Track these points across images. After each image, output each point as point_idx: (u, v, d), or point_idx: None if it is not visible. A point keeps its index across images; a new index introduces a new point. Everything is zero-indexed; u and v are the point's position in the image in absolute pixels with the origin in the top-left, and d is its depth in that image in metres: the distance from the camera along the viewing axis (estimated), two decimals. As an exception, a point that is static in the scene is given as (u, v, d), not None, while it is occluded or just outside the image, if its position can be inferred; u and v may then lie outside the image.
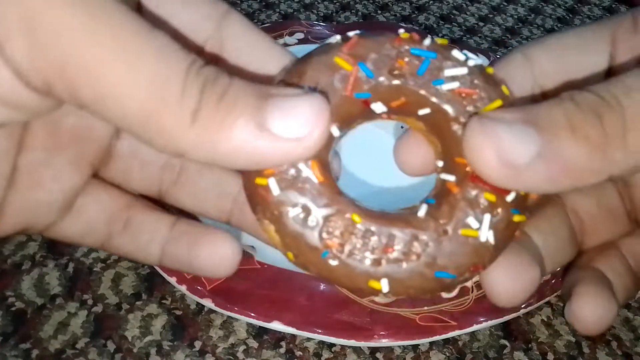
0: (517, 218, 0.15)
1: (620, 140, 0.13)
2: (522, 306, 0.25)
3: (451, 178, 0.15)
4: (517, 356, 0.24)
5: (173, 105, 0.12)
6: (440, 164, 0.16)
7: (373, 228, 0.14)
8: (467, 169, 0.15)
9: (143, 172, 0.19)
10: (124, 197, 0.19)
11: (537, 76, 0.17)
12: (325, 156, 0.15)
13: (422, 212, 0.15)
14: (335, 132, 0.15)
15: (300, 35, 0.39)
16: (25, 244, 0.28)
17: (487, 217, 0.14)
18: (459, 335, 0.25)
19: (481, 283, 0.16)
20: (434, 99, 0.15)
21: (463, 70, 0.15)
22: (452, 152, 0.15)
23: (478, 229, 0.14)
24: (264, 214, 0.15)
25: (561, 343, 0.25)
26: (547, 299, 0.25)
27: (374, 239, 0.14)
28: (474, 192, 0.15)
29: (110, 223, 0.19)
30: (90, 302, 0.25)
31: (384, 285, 0.14)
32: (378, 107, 0.15)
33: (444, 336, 0.24)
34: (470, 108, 0.15)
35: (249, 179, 0.15)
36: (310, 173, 0.14)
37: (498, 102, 0.15)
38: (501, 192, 0.15)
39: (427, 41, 0.15)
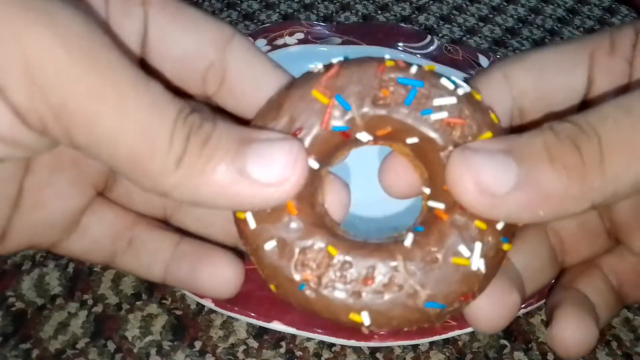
0: (505, 247, 0.15)
1: (597, 168, 0.13)
2: (522, 306, 0.24)
3: (440, 206, 0.15)
4: (517, 356, 0.24)
5: (160, 152, 0.13)
6: (427, 190, 0.16)
7: (351, 259, 0.14)
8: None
9: (146, 196, 0.19)
10: (129, 216, 0.20)
11: (515, 96, 0.17)
12: (303, 190, 0.14)
13: (408, 240, 0.15)
14: (314, 165, 0.15)
15: (300, 36, 0.39)
16: (26, 244, 0.28)
17: (478, 245, 0.14)
18: (458, 335, 0.24)
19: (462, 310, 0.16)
20: (421, 128, 0.15)
21: (452, 100, 0.15)
22: (440, 180, 0.15)
23: (469, 257, 0.14)
24: (245, 246, 0.15)
25: (561, 343, 0.25)
26: (546, 300, 0.25)
27: (352, 270, 0.14)
28: (463, 220, 0.14)
29: (115, 241, 0.19)
30: (90, 302, 0.25)
31: (365, 317, 0.14)
32: (363, 136, 0.15)
33: (444, 336, 0.24)
34: (458, 137, 0.15)
35: (233, 213, 0.15)
36: (284, 206, 0.14)
37: (488, 134, 0.15)
38: (491, 220, 0.14)
39: (414, 69, 0.15)
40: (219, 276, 0.18)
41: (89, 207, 0.19)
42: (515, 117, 0.17)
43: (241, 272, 0.18)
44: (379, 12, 0.48)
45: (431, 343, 0.24)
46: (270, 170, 0.13)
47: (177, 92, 0.17)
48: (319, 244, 0.14)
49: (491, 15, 0.49)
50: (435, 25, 0.47)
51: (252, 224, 0.14)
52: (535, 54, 0.17)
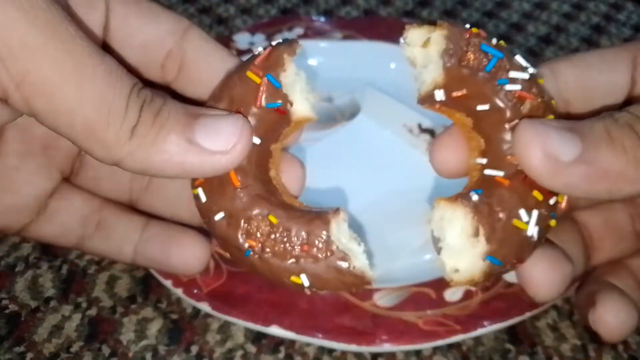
0: (552, 222, 0.16)
1: None
2: (528, 310, 0.24)
3: (499, 173, 0.16)
4: (522, 361, 0.24)
5: (116, 122, 0.14)
6: (483, 161, 0.17)
7: (291, 227, 0.16)
8: (518, 167, 0.16)
9: (113, 180, 0.21)
10: (96, 200, 0.21)
11: (561, 89, 0.18)
12: (245, 164, 0.16)
13: (475, 197, 0.16)
14: (256, 140, 0.16)
15: (300, 31, 0.38)
16: (19, 245, 0.27)
17: (535, 213, 0.16)
18: (463, 340, 0.24)
19: (518, 277, 0.18)
20: (495, 97, 0.16)
21: (525, 76, 0.16)
22: (499, 150, 0.16)
23: (527, 222, 0.15)
24: (202, 220, 0.16)
25: (567, 347, 0.24)
26: (552, 302, 0.25)
27: (293, 237, 0.16)
28: (523, 188, 0.16)
29: (83, 224, 0.20)
30: (84, 305, 0.25)
31: (304, 279, 0.16)
32: (439, 94, 0.16)
33: (447, 340, 0.23)
34: (526, 111, 0.16)
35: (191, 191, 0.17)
36: (229, 181, 0.16)
37: (551, 117, 0.16)
38: (546, 193, 0.16)
39: (494, 40, 0.16)
40: (187, 254, 0.20)
41: (56, 192, 0.20)
42: (560, 108, 0.18)
43: (207, 249, 0.20)
44: (381, 6, 0.47)
45: (435, 348, 0.24)
46: (217, 139, 0.15)
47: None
48: (262, 213, 0.16)
49: (496, 11, 0.48)
50: (438, 20, 0.46)
51: (202, 198, 0.16)
52: (581, 54, 0.19)
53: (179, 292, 0.24)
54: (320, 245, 0.16)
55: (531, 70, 0.17)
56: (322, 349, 0.24)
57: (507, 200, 0.16)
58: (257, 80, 0.16)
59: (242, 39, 0.38)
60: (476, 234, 0.15)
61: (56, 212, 0.20)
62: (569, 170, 0.15)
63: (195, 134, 0.15)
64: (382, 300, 0.24)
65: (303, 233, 0.16)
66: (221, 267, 0.25)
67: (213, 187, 0.16)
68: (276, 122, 0.17)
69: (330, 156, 0.24)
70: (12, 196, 0.18)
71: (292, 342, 0.24)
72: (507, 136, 0.16)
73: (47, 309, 0.25)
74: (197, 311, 0.25)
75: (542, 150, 0.15)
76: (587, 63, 0.18)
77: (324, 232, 0.16)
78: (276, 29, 0.39)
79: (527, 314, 0.24)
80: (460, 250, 0.16)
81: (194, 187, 0.16)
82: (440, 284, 0.25)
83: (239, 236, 0.16)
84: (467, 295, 0.25)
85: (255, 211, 0.16)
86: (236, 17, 0.45)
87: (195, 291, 0.24)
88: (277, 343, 0.24)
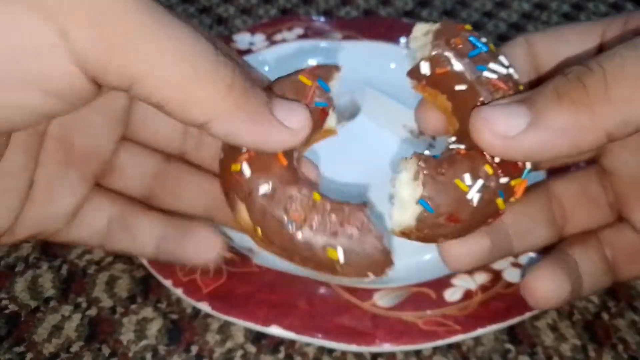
0: (499, 201, 0.17)
1: (603, 96, 0.15)
2: (528, 310, 0.24)
3: (461, 146, 0.17)
4: (522, 361, 0.24)
5: (209, 79, 0.15)
6: (453, 138, 0.18)
7: (330, 207, 0.17)
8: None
9: (135, 180, 0.21)
10: (120, 200, 0.21)
11: (535, 57, 0.19)
12: (289, 152, 0.18)
13: (428, 153, 0.17)
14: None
15: (300, 31, 0.38)
16: (19, 245, 0.27)
17: (480, 182, 0.17)
18: (463, 340, 0.24)
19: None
20: (473, 79, 0.17)
21: (503, 70, 0.17)
22: (467, 129, 0.17)
23: (470, 186, 0.16)
24: (238, 194, 0.17)
25: (567, 347, 0.24)
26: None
27: (332, 215, 0.17)
28: (477, 159, 0.17)
29: (110, 225, 0.21)
30: (84, 305, 0.25)
31: (340, 254, 0.17)
32: (424, 67, 0.18)
33: (447, 341, 0.23)
34: (497, 98, 0.17)
35: (225, 168, 0.18)
36: (277, 159, 0.17)
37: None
38: (498, 172, 0.17)
39: (484, 39, 0.18)
40: (202, 245, 0.21)
41: (88, 197, 0.20)
42: (532, 76, 0.19)
43: (221, 239, 0.21)
44: (381, 6, 0.47)
45: (434, 348, 0.24)
46: (292, 118, 0.16)
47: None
48: (305, 191, 0.17)
49: (496, 11, 0.48)
50: (438, 21, 0.46)
51: (247, 172, 0.17)
52: (556, 27, 0.20)
53: (178, 292, 0.24)
54: (359, 224, 0.17)
55: (512, 70, 0.18)
56: (322, 349, 0.24)
57: (457, 163, 0.17)
58: (309, 82, 0.17)
59: (242, 39, 0.38)
60: (416, 178, 0.17)
61: (87, 215, 0.20)
62: (521, 140, 0.15)
63: (275, 108, 0.16)
64: (381, 301, 0.24)
65: (345, 209, 0.17)
66: (221, 267, 0.25)
67: (260, 162, 0.17)
68: (315, 122, 0.18)
69: (330, 156, 0.24)
70: (52, 206, 0.19)
71: (292, 342, 0.24)
72: None
73: (47, 309, 0.25)
74: (197, 311, 0.25)
75: (490, 131, 0.16)
76: (559, 34, 0.19)
77: (363, 213, 0.17)
78: (276, 29, 0.38)
79: (527, 314, 0.24)
80: (403, 199, 0.17)
81: (238, 161, 0.17)
82: (441, 284, 0.25)
83: (282, 209, 0.17)
84: (467, 295, 0.25)
85: (298, 188, 0.17)
86: (236, 17, 0.45)
87: (195, 291, 0.24)
88: (277, 343, 0.24)
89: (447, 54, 0.18)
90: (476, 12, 0.47)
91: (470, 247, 0.19)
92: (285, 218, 0.17)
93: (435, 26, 0.18)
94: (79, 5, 0.13)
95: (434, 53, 0.18)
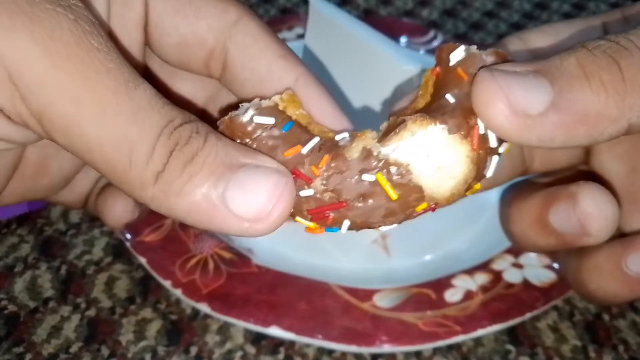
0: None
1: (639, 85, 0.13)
2: (529, 310, 0.24)
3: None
4: (522, 362, 0.24)
5: (138, 165, 0.13)
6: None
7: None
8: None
9: None
10: None
11: (531, 50, 0.17)
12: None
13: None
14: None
15: (300, 30, 0.38)
16: (18, 245, 0.27)
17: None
18: (463, 341, 0.24)
19: (570, 218, 0.16)
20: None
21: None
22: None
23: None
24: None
25: (567, 347, 0.24)
26: (553, 303, 0.25)
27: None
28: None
29: (94, 189, 0.20)
30: (83, 305, 0.25)
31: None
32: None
33: (447, 341, 0.23)
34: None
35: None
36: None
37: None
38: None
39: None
40: (119, 208, 0.19)
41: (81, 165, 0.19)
42: None
43: (135, 207, 0.19)
44: (381, 6, 0.47)
45: (435, 349, 0.24)
46: (249, 204, 0.13)
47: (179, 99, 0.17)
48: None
49: (496, 11, 0.48)
50: (438, 21, 0.46)
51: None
52: (550, 24, 0.17)
53: (178, 292, 0.24)
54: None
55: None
56: (321, 350, 0.24)
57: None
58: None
59: (241, 39, 0.38)
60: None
61: (77, 182, 0.20)
62: (541, 121, 0.13)
63: (228, 192, 0.13)
64: (382, 301, 0.24)
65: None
66: (220, 268, 0.25)
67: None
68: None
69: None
70: (45, 179, 0.18)
71: (291, 343, 0.24)
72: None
73: (46, 310, 0.25)
74: (196, 312, 0.25)
75: (507, 105, 0.13)
76: (556, 31, 0.17)
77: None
78: (276, 29, 0.38)
79: (528, 315, 0.24)
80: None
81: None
82: (441, 284, 0.25)
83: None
84: (468, 296, 0.25)
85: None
86: (236, 16, 0.45)
87: (195, 292, 0.24)
88: (277, 344, 0.24)
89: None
90: (476, 11, 0.47)
91: (611, 210, 0.16)
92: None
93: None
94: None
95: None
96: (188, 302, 0.24)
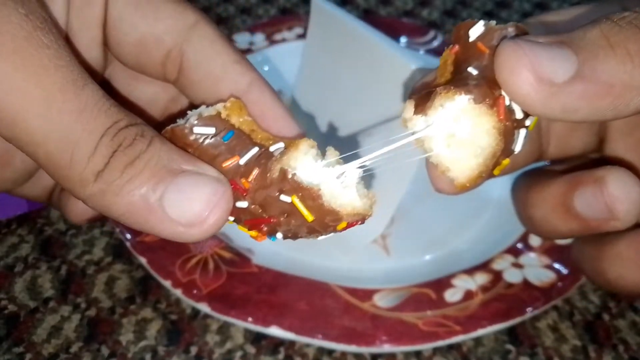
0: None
1: None
2: (529, 310, 0.24)
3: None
4: (522, 361, 0.24)
5: (79, 163, 0.13)
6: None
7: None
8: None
9: None
10: None
11: (547, 27, 0.16)
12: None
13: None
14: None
15: (300, 30, 0.38)
16: (18, 245, 0.27)
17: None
18: (463, 341, 0.24)
19: (598, 200, 0.16)
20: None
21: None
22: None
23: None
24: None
25: (567, 347, 0.24)
26: (553, 303, 0.25)
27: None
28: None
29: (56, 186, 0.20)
30: (83, 305, 0.25)
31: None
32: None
33: (447, 341, 0.23)
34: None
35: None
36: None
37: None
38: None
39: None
40: (80, 208, 0.19)
41: None
42: None
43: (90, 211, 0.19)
44: (381, 6, 0.47)
45: (435, 349, 0.24)
46: (185, 209, 0.13)
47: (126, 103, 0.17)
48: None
49: (496, 11, 0.48)
50: (439, 21, 0.46)
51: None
52: (568, 7, 0.17)
53: (178, 292, 0.24)
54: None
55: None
56: (321, 350, 0.24)
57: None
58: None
59: (241, 39, 0.38)
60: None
61: (42, 175, 0.19)
62: (565, 90, 0.13)
63: (165, 196, 0.13)
64: (382, 301, 0.24)
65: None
66: (220, 268, 0.25)
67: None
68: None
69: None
70: (6, 171, 0.18)
71: (291, 343, 0.24)
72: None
73: (46, 310, 0.25)
74: (196, 312, 0.25)
75: (532, 73, 0.13)
76: (573, 12, 0.17)
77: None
78: (276, 29, 0.38)
79: (528, 315, 0.24)
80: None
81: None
82: (441, 284, 0.25)
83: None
84: (468, 296, 0.25)
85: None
86: (236, 16, 0.45)
87: (195, 292, 0.24)
88: (277, 344, 0.24)
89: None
90: (477, 11, 0.47)
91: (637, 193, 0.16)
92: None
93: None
94: None
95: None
96: (188, 302, 0.24)
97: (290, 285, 0.24)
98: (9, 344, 0.23)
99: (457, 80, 0.14)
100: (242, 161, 0.14)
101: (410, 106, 0.15)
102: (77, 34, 0.16)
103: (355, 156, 0.15)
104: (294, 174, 0.14)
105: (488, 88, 0.14)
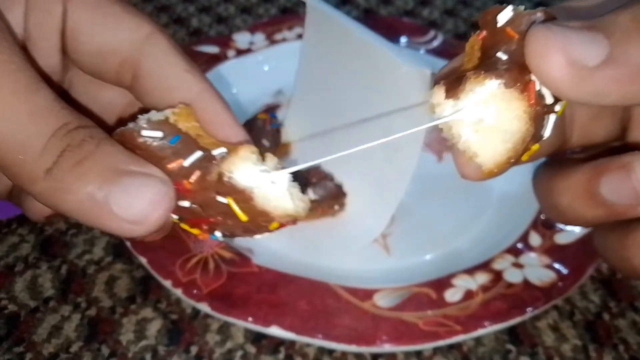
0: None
1: None
2: (529, 310, 0.24)
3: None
4: (522, 361, 0.24)
5: (29, 161, 0.14)
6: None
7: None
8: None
9: None
10: None
11: (571, 13, 0.16)
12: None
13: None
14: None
15: (300, 30, 0.38)
16: (19, 245, 0.27)
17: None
18: (463, 340, 0.24)
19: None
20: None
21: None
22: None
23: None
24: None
25: (567, 347, 0.24)
26: (553, 302, 0.25)
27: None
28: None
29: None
30: (84, 305, 0.25)
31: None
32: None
33: (448, 341, 0.23)
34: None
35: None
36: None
37: None
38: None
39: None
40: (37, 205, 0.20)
41: None
42: None
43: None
44: (381, 6, 0.47)
45: (435, 348, 0.24)
46: (131, 207, 0.14)
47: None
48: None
49: (496, 9, 0.48)
50: (439, 20, 0.46)
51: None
52: None
53: (178, 292, 0.24)
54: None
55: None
56: (322, 350, 0.24)
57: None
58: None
59: (241, 38, 0.38)
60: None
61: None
62: (597, 74, 0.13)
63: (110, 195, 0.14)
64: (382, 301, 0.24)
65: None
66: (221, 267, 0.25)
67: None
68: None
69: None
70: None
71: (292, 343, 0.24)
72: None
73: (47, 309, 0.25)
74: (196, 311, 0.25)
75: (564, 57, 0.13)
76: (603, 2, 0.17)
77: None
78: (276, 28, 0.38)
79: (528, 315, 0.24)
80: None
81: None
82: (441, 284, 0.25)
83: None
84: (468, 295, 0.25)
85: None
86: (236, 16, 0.45)
87: (195, 291, 0.24)
88: (277, 344, 0.24)
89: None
90: (477, 11, 0.47)
91: None
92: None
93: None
94: None
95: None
96: (188, 302, 0.24)
97: (290, 285, 0.24)
98: (9, 343, 0.23)
99: (487, 65, 0.14)
100: (186, 163, 0.15)
101: (440, 91, 0.15)
102: (37, 42, 0.17)
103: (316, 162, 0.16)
104: (230, 177, 0.15)
105: (518, 72, 0.14)
